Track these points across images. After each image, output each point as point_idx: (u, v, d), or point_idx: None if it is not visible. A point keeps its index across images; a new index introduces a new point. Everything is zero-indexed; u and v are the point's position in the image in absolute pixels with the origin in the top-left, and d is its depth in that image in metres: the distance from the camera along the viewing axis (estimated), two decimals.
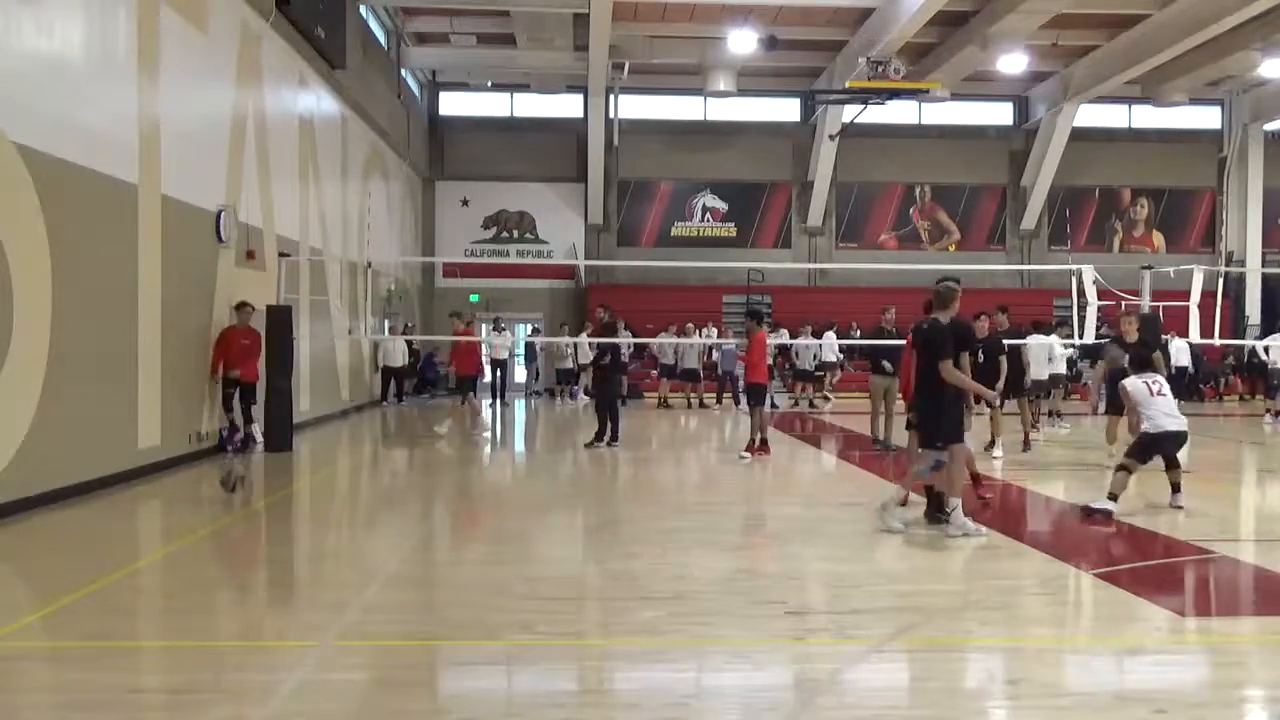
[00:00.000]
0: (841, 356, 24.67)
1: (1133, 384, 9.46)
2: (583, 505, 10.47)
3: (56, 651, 5.37)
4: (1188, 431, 9.38)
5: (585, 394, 24.06)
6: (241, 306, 13.61)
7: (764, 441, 13.49)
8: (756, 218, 30.11)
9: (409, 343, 24.47)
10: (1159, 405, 9.30)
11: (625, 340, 21.64)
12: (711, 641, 5.48)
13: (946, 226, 30.52)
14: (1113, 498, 9.01)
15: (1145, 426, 9.27)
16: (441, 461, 14.13)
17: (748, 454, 13.26)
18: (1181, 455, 9.57)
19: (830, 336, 23.29)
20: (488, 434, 17.62)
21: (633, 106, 29.10)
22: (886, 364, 14.23)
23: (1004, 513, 9.63)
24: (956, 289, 8.62)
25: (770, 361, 18.37)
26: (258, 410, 14.10)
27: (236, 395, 13.56)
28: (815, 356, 24.44)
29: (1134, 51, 23.61)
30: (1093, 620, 6.34)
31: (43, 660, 5.31)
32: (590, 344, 22.02)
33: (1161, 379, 9.61)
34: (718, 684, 4.95)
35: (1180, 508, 9.26)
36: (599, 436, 14.68)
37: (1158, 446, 9.29)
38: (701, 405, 23.74)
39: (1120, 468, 9.24)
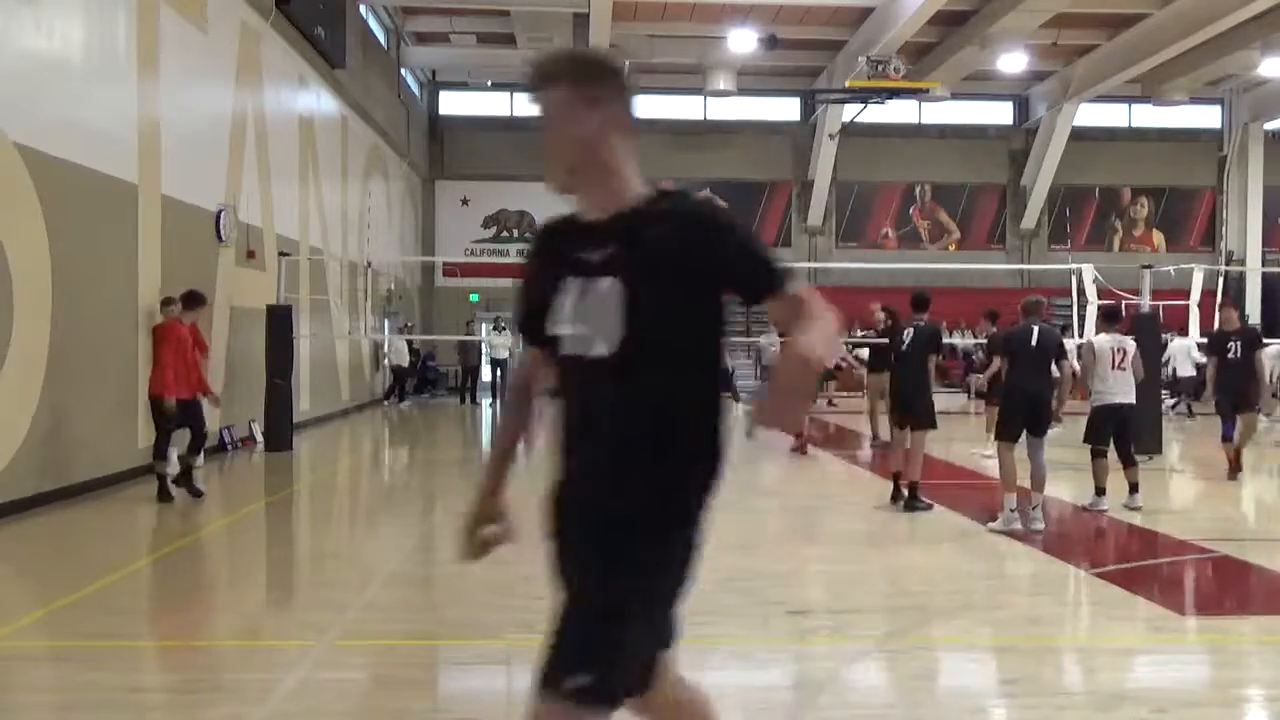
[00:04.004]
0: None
1: None
2: None
3: (56, 651, 5.37)
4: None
5: None
6: (191, 300, 9.96)
7: None
8: (756, 217, 30.05)
9: (409, 342, 24.48)
10: None
11: None
12: (711, 641, 5.47)
13: (946, 226, 30.51)
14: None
15: None
16: (440, 461, 14.13)
17: None
18: (1182, 453, 9.58)
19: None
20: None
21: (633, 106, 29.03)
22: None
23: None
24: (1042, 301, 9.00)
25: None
26: (257, 409, 14.09)
27: (175, 426, 9.46)
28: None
29: (1134, 51, 23.58)
30: (1092, 620, 6.34)
31: (43, 660, 5.31)
32: None
33: None
34: (718, 684, 4.93)
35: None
36: None
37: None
38: None
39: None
